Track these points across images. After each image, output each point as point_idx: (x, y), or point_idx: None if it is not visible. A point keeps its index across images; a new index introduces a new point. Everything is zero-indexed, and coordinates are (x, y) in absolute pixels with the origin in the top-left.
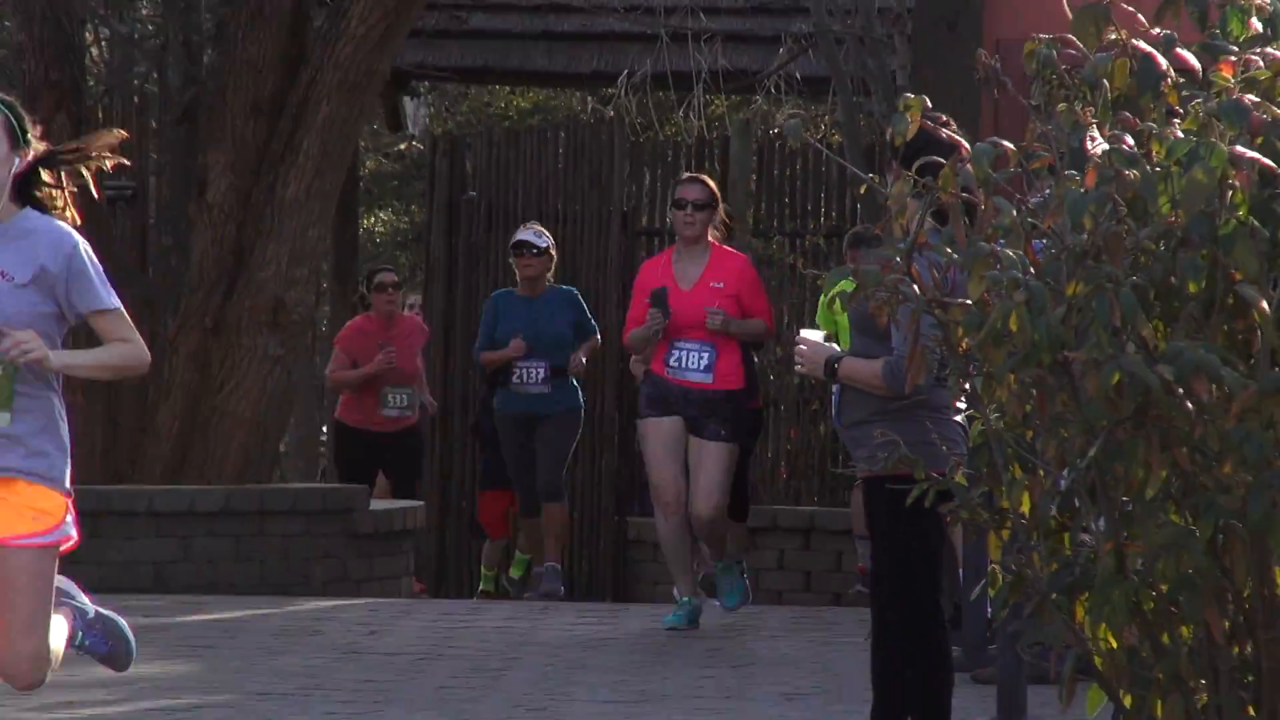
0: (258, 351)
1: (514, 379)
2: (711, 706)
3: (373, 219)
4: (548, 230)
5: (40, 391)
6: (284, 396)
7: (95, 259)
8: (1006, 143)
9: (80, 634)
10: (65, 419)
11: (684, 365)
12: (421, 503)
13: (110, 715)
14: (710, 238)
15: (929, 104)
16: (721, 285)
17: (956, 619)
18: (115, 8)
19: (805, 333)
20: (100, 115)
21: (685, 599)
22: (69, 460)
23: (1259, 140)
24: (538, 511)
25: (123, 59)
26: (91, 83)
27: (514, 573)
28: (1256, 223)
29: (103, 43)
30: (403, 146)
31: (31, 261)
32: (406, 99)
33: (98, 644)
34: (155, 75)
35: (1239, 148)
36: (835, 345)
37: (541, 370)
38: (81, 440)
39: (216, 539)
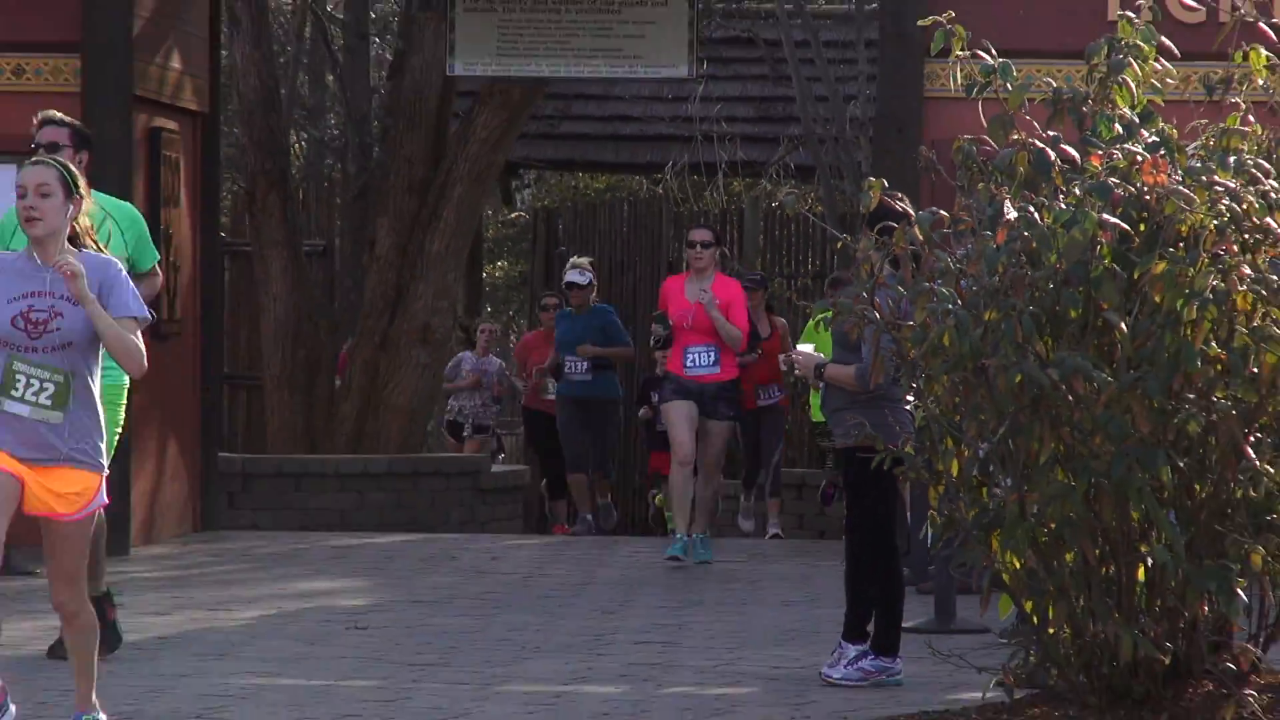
0: (411, 361)
1: (566, 370)
2: (734, 610)
3: (492, 267)
4: (616, 274)
5: (86, 394)
6: (429, 392)
7: (131, 282)
8: (942, 211)
9: None
10: (101, 411)
11: (697, 364)
12: (527, 466)
13: (308, 613)
14: (713, 268)
15: (886, 184)
16: (721, 301)
17: (906, 549)
18: (311, 118)
19: (800, 347)
20: (300, 195)
21: (681, 535)
22: (103, 443)
23: (1119, 210)
24: (580, 469)
25: (316, 154)
26: (294, 172)
27: (661, 503)
28: (1117, 268)
29: (302, 143)
30: (514, 216)
31: (90, 285)
32: (515, 182)
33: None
34: (339, 166)
35: (1105, 215)
36: (821, 355)
37: (584, 365)
38: (287, 425)
39: (383, 492)
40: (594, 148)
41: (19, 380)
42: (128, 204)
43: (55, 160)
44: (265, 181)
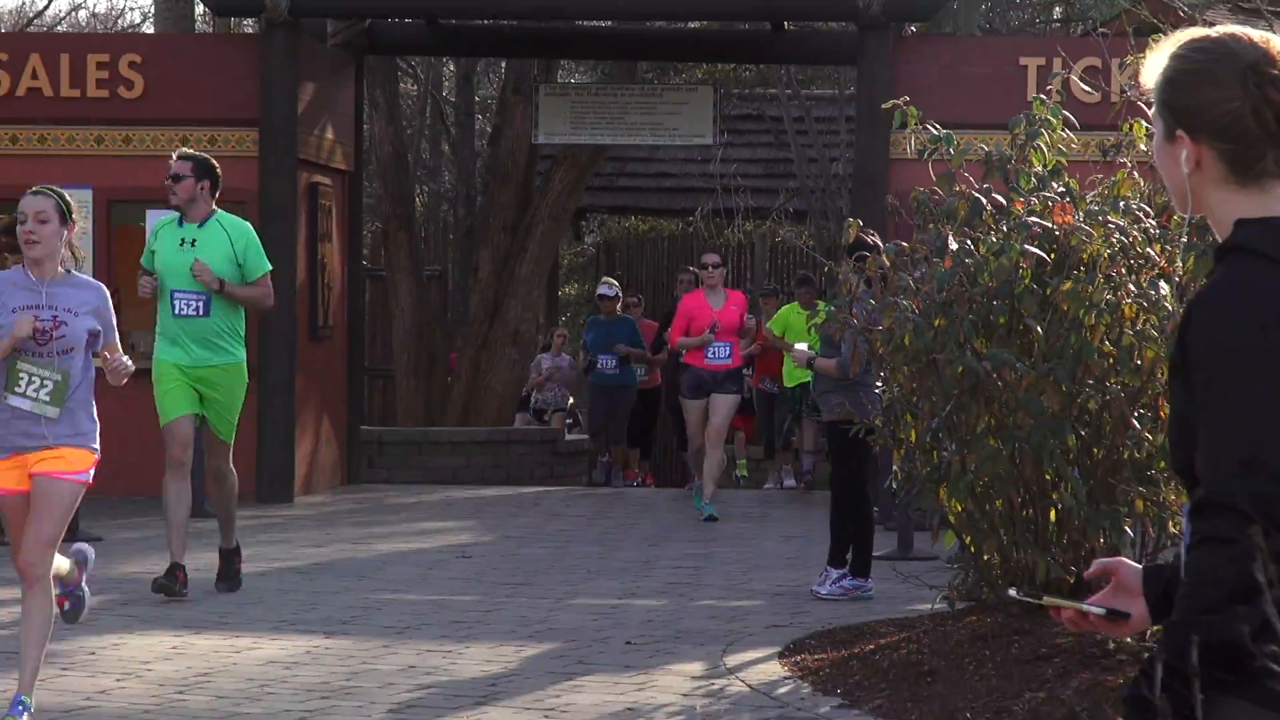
0: (505, 358)
1: (599, 365)
2: (748, 543)
3: (566, 287)
4: (659, 293)
5: (82, 390)
6: (518, 381)
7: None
8: (903, 244)
9: (79, 576)
10: (94, 402)
11: (717, 356)
12: (587, 435)
13: (426, 546)
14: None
15: (861, 224)
16: (736, 308)
17: (876, 496)
18: (430, 175)
19: (797, 345)
20: (422, 233)
21: (707, 502)
22: (97, 429)
23: (1036, 242)
24: (620, 442)
25: (434, 202)
26: (417, 216)
27: (740, 471)
28: (1035, 286)
29: (424, 194)
30: (581, 248)
31: (87, 302)
32: (583, 223)
33: (76, 603)
34: (451, 211)
35: (1026, 246)
36: (812, 351)
37: (613, 360)
38: (411, 405)
39: (483, 456)
40: (641, 197)
41: (22, 378)
42: (243, 221)
43: (52, 190)
44: (396, 223)
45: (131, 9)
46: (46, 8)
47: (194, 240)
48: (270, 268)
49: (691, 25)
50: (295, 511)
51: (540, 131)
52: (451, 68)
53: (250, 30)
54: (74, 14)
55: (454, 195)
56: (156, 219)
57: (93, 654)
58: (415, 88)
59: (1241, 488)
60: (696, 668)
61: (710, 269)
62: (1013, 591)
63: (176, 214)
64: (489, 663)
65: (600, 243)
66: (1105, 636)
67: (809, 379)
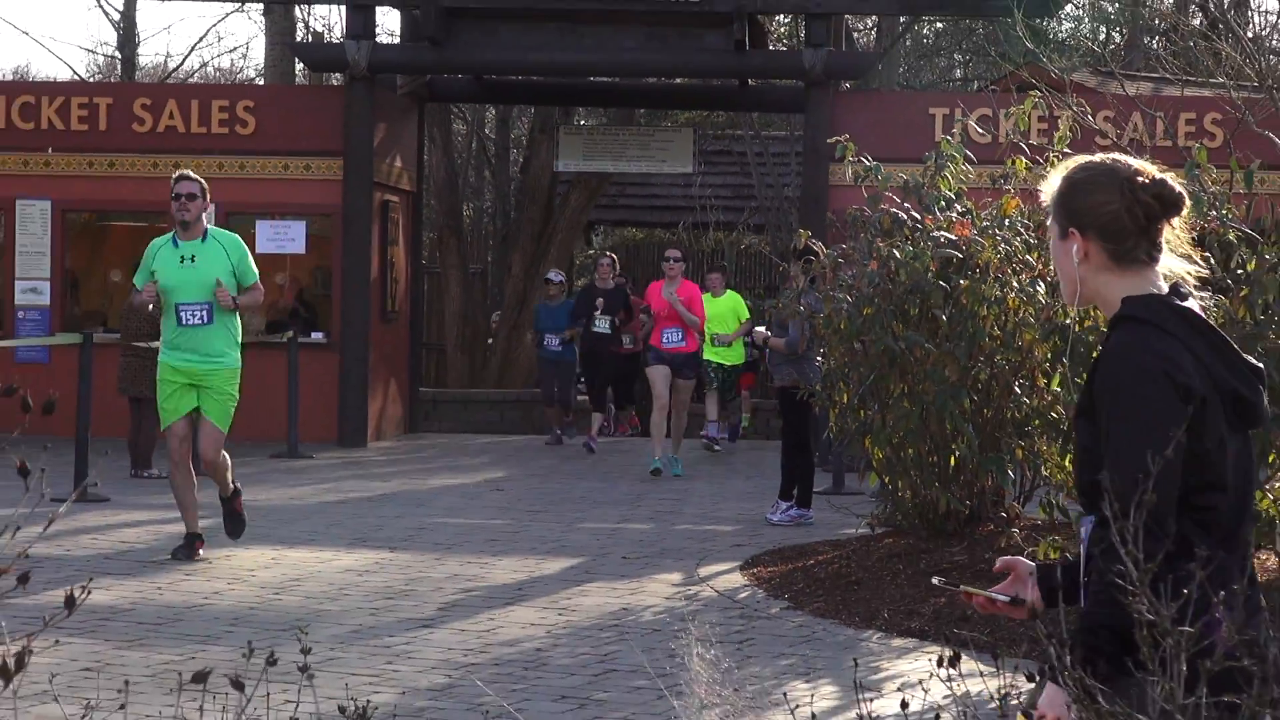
0: (531, 337)
1: (545, 343)
2: (718, 481)
3: (579, 282)
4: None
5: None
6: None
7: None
8: (841, 249)
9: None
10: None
11: (670, 340)
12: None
13: (468, 481)
14: (680, 276)
15: (808, 234)
16: (683, 297)
17: (816, 445)
18: (475, 195)
19: (757, 328)
20: (468, 240)
21: (656, 458)
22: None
23: (941, 250)
24: (552, 403)
25: (478, 216)
26: (465, 226)
27: (745, 424)
28: (941, 283)
29: (470, 209)
30: (591, 252)
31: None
32: (592, 233)
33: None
34: (491, 223)
35: (934, 252)
36: (767, 332)
37: (557, 339)
38: (459, 372)
39: (514, 412)
40: (638, 213)
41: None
42: (233, 233)
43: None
44: (448, 232)
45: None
46: (180, 65)
47: (194, 256)
48: (257, 275)
49: (676, 81)
50: (367, 454)
51: (560, 162)
52: (492, 112)
53: (337, 82)
54: (203, 69)
55: (493, 210)
56: (152, 243)
57: (209, 563)
58: (464, 127)
59: (1135, 495)
60: (676, 577)
61: (672, 261)
62: (936, 580)
63: (169, 235)
64: (516, 572)
65: (606, 248)
66: (1006, 617)
67: (720, 359)
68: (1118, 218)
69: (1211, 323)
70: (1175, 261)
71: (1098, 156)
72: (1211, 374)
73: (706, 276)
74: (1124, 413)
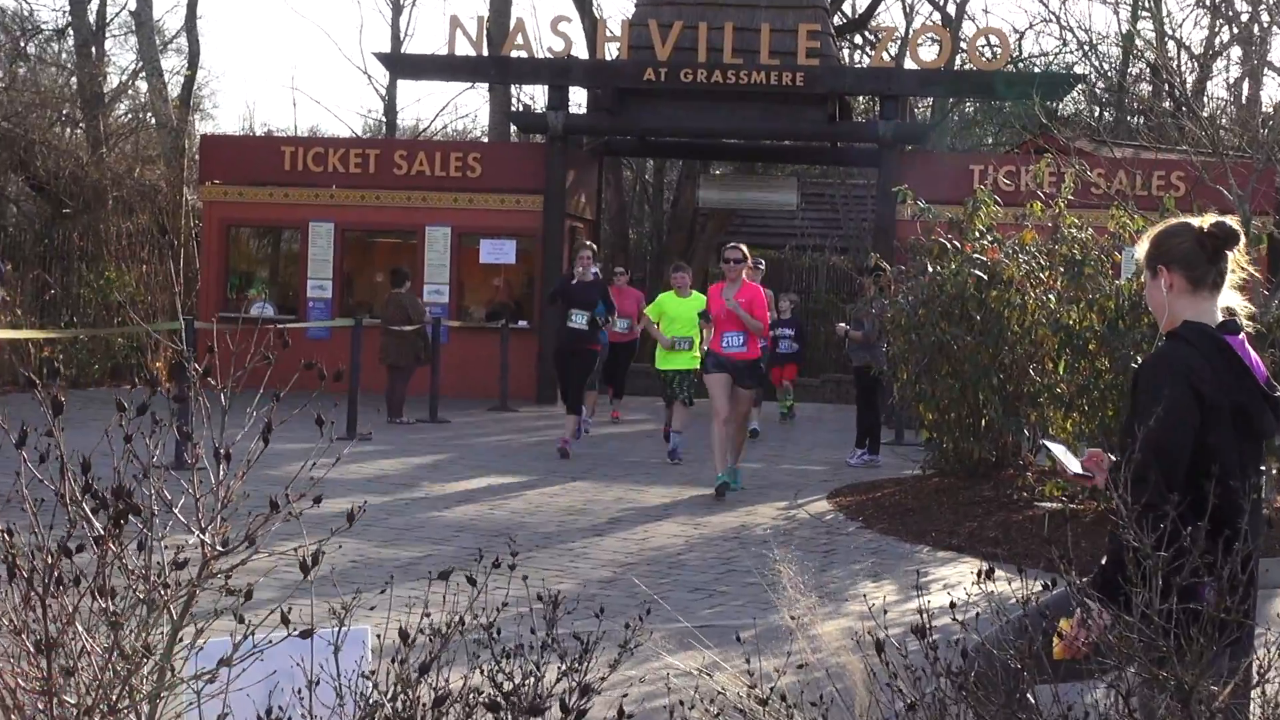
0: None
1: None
2: (806, 434)
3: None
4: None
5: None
6: None
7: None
8: (902, 267)
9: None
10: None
11: (730, 345)
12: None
13: (621, 434)
14: (744, 276)
15: (878, 255)
16: (743, 300)
17: (884, 408)
18: (638, 223)
19: (840, 324)
20: (633, 256)
21: (720, 474)
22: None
23: (978, 268)
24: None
25: (640, 239)
26: (631, 246)
27: (782, 408)
28: (976, 293)
29: (635, 233)
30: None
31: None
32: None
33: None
34: (650, 244)
35: (972, 270)
36: (848, 326)
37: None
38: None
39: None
40: (756, 238)
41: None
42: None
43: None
44: (618, 250)
45: (475, 127)
46: (428, 126)
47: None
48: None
49: (785, 142)
50: (556, 409)
51: (700, 199)
52: (651, 163)
53: (540, 140)
54: (444, 129)
55: (651, 235)
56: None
57: (443, 487)
58: (631, 174)
59: (1153, 462)
60: (780, 504)
61: (732, 263)
62: (1044, 442)
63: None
64: (663, 498)
65: None
66: (1073, 485)
67: (680, 366)
68: (1192, 250)
69: (1239, 350)
70: (1233, 297)
71: (1173, 218)
72: (1224, 386)
73: (671, 275)
74: (1153, 397)
